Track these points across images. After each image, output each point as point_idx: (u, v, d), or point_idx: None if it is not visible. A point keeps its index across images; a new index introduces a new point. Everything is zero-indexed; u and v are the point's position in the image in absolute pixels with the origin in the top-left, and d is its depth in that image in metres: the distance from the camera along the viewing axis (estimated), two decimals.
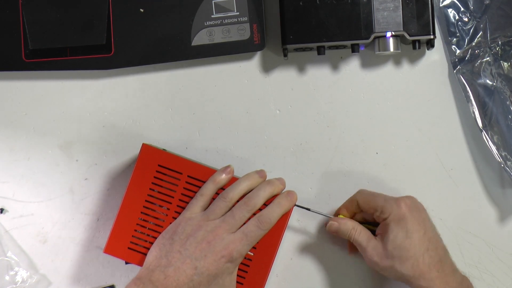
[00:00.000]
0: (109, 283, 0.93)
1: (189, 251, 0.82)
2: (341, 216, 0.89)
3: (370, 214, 0.87)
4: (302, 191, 0.92)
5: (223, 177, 0.86)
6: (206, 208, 0.86)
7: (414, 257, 0.83)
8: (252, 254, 0.87)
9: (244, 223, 0.84)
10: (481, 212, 0.93)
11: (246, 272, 0.87)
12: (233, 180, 0.87)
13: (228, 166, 0.87)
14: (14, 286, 0.92)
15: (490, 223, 0.93)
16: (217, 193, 0.87)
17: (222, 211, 0.85)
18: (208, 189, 0.86)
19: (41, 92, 0.94)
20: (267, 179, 0.88)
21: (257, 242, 0.85)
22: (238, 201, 0.86)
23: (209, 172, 0.87)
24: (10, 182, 0.93)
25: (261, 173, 0.87)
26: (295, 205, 0.87)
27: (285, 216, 0.87)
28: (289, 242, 0.93)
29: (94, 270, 0.93)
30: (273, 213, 0.85)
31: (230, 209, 0.85)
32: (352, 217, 0.90)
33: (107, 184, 0.93)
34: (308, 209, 0.90)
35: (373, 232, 0.87)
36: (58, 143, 0.94)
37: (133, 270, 0.93)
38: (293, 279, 0.93)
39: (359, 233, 0.86)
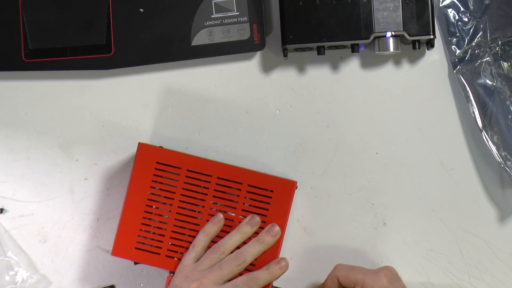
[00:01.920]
0: (109, 283, 0.93)
1: None
2: None
3: None
4: (302, 191, 0.93)
5: (215, 228, 0.87)
6: (198, 259, 0.87)
7: None
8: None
9: (232, 279, 0.85)
10: (481, 212, 0.93)
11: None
12: (232, 168, 0.87)
13: (218, 215, 0.87)
14: (14, 286, 0.92)
15: (490, 223, 0.93)
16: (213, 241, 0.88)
17: (212, 262, 0.85)
18: (200, 240, 0.87)
19: (41, 92, 0.94)
20: (258, 227, 0.88)
21: None
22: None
23: (207, 163, 0.87)
24: (10, 182, 0.93)
25: (252, 222, 0.87)
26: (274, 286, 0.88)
27: (285, 214, 0.87)
28: (289, 242, 0.93)
29: (94, 270, 0.93)
30: (262, 278, 0.86)
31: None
32: None
33: (107, 184, 0.93)
34: None
35: None
36: (58, 143, 0.94)
37: (133, 270, 0.93)
38: (293, 279, 0.93)
39: None
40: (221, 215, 0.87)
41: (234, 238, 0.87)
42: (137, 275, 0.93)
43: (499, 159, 0.90)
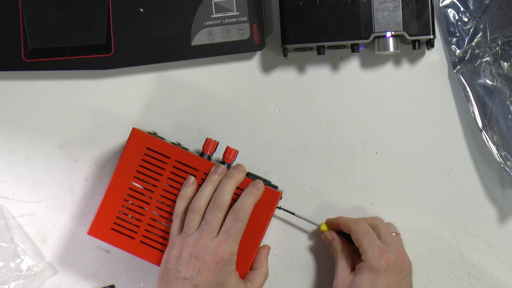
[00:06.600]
0: (109, 283, 0.93)
1: (183, 273, 0.83)
2: (323, 224, 0.90)
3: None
4: (302, 191, 0.93)
5: (189, 190, 0.86)
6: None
7: None
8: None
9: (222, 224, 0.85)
10: (481, 212, 0.93)
11: None
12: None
13: (189, 178, 0.87)
14: (20, 273, 0.92)
15: (490, 223, 0.93)
16: None
17: (195, 222, 0.85)
18: (180, 207, 0.86)
19: (41, 92, 0.94)
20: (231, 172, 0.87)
21: (241, 236, 0.85)
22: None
23: (197, 160, 0.87)
24: (10, 182, 0.93)
25: (219, 170, 0.86)
26: (283, 209, 0.87)
27: (264, 224, 0.87)
28: (288, 242, 0.93)
29: (94, 270, 0.93)
30: (245, 203, 0.85)
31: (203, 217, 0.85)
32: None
33: (107, 184, 0.93)
34: (293, 214, 0.91)
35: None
36: (58, 143, 0.94)
37: (133, 270, 0.93)
38: (293, 279, 0.93)
39: (342, 258, 0.88)
40: (192, 178, 0.86)
41: (205, 191, 0.85)
42: (137, 275, 0.93)
43: (499, 159, 0.90)
